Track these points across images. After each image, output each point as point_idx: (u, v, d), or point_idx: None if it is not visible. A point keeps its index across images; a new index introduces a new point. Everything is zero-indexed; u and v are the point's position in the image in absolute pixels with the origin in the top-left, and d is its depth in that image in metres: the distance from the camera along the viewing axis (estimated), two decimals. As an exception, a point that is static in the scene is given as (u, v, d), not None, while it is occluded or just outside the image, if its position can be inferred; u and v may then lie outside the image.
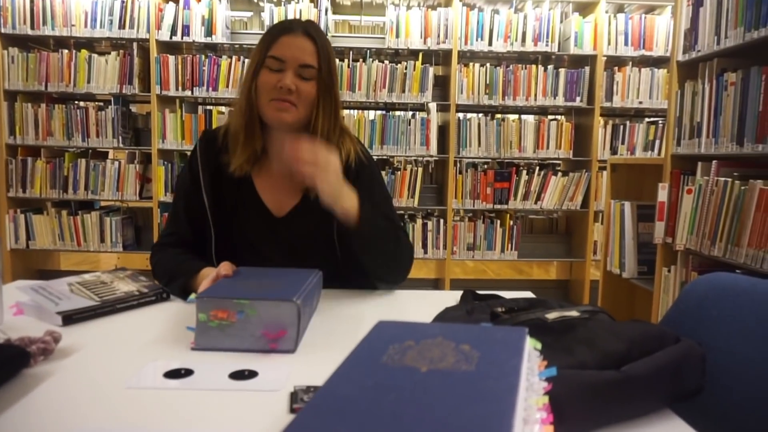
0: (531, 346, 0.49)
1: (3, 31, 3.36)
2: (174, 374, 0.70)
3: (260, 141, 1.15)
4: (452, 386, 0.40)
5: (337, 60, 3.41)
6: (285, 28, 1.11)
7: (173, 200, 1.27)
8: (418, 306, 1.11)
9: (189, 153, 1.23)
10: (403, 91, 3.47)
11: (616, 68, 3.55)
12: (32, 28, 3.37)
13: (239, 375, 0.71)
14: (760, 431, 0.64)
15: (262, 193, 1.19)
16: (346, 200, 1.03)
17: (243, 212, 1.19)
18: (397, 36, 3.46)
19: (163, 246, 1.21)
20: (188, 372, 0.71)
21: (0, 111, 3.40)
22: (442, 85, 3.61)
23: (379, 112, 3.57)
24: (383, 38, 3.52)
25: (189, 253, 1.17)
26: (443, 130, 3.59)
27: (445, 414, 0.36)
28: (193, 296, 0.81)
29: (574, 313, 0.69)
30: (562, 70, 3.50)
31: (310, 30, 1.12)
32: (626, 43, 3.51)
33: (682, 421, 0.61)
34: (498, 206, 3.55)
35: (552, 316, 0.68)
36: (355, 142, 1.23)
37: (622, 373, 0.57)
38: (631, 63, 3.59)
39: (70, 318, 0.90)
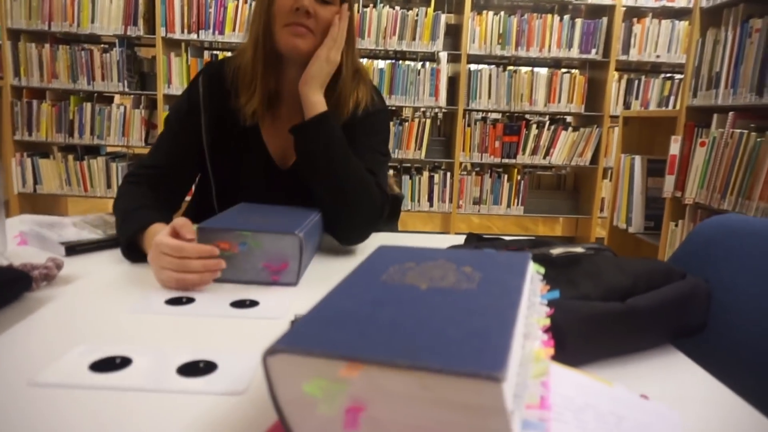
0: (534, 270, 0.48)
1: (4, -33, 3.27)
2: (176, 301, 0.71)
3: (275, 77, 1.05)
4: (453, 302, 0.39)
5: (345, 5, 3.31)
6: None
7: (161, 132, 1.10)
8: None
9: (188, 84, 1.10)
10: (414, 39, 3.38)
11: (635, 19, 3.42)
12: (34, -35, 3.28)
13: (240, 304, 0.71)
14: (761, 367, 0.64)
15: (268, 142, 1.10)
16: (314, 94, 0.99)
17: (247, 162, 1.09)
18: (409, -20, 3.34)
19: (135, 178, 1.04)
20: (189, 300, 0.71)
21: (4, 51, 3.35)
22: (453, 34, 3.51)
23: (388, 62, 3.49)
24: (394, -17, 3.40)
25: (157, 199, 0.99)
26: (453, 81, 3.52)
27: (445, 325, 0.35)
28: (195, 227, 0.80)
29: (579, 249, 0.68)
30: (578, 21, 3.38)
31: None
32: (647, -7, 3.38)
33: (683, 355, 0.61)
34: (506, 160, 3.51)
35: (557, 251, 0.67)
36: (370, 89, 1.13)
37: (627, 305, 0.56)
38: (651, 14, 3.46)
39: (73, 249, 0.90)
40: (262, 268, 0.79)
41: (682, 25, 3.40)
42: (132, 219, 0.89)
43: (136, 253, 0.87)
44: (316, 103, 0.99)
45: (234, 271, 0.78)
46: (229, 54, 3.52)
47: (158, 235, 0.78)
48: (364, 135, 1.08)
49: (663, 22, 3.41)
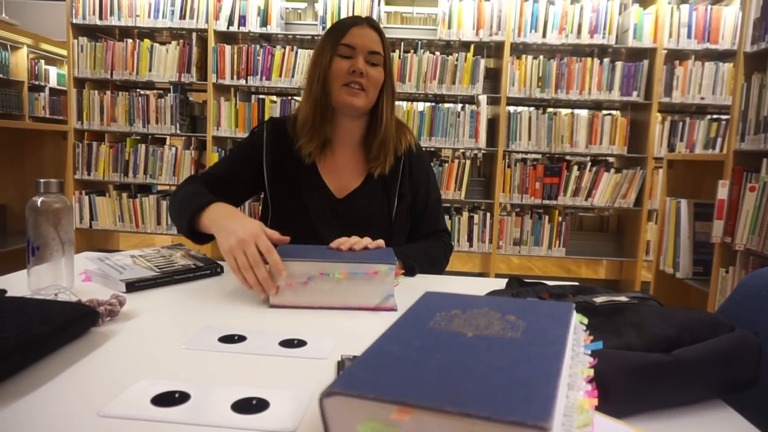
0: (577, 320, 0.49)
1: (74, 21, 3.56)
2: (228, 339, 0.74)
3: (329, 128, 1.24)
4: (498, 350, 0.41)
5: (388, 51, 3.44)
6: (353, 21, 1.21)
7: (223, 156, 1.35)
8: (464, 290, 1.11)
9: (253, 128, 1.32)
10: (453, 83, 3.46)
11: (677, 62, 3.41)
12: (100, 18, 3.55)
13: (289, 343, 0.74)
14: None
15: (325, 176, 1.27)
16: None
17: (306, 194, 1.25)
18: (449, 27, 3.45)
19: (192, 179, 1.23)
20: (241, 338, 0.75)
21: (70, 97, 3.61)
22: (493, 78, 3.57)
23: (428, 104, 3.57)
24: (435, 29, 3.51)
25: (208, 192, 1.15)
26: (493, 123, 3.56)
27: (491, 373, 0.37)
28: (386, 267, 0.90)
29: (623, 298, 0.68)
30: (618, 64, 3.39)
31: (374, 23, 1.23)
32: (689, 36, 3.37)
33: (733, 411, 0.59)
34: (547, 202, 3.49)
35: (600, 299, 0.68)
36: (412, 134, 1.34)
37: (672, 356, 0.56)
38: (693, 57, 3.44)
39: (133, 285, 0.96)
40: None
41: (726, 67, 3.36)
42: (194, 200, 1.06)
43: (197, 236, 1.06)
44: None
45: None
46: (275, 98, 3.69)
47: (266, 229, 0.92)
48: (426, 170, 1.33)
49: (706, 64, 3.38)
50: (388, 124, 1.24)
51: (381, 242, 1.03)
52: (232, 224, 0.93)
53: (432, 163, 3.48)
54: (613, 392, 0.53)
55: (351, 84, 1.17)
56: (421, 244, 1.27)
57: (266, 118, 3.47)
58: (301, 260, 0.90)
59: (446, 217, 3.53)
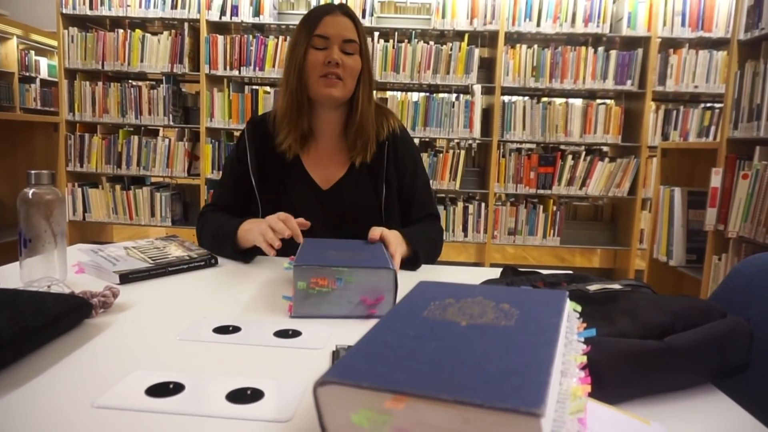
0: (571, 308, 0.49)
1: (64, 11, 3.51)
2: (222, 330, 0.74)
3: (308, 120, 1.23)
4: (491, 338, 0.41)
5: (382, 41, 3.41)
6: (325, 10, 1.20)
7: (220, 178, 1.35)
8: (459, 280, 1.11)
9: (237, 134, 1.34)
10: (448, 73, 3.44)
11: (671, 50, 3.40)
12: (90, 8, 3.51)
13: (284, 334, 0.74)
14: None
15: (309, 169, 1.26)
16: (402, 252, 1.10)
17: (291, 187, 1.25)
18: (443, 17, 3.42)
19: (206, 213, 1.28)
20: (236, 329, 0.75)
21: (61, 89, 3.57)
22: (487, 67, 3.56)
23: (422, 94, 3.55)
24: (429, 19, 3.49)
25: (231, 217, 1.22)
26: (487, 113, 3.55)
27: (485, 361, 0.37)
28: (287, 264, 0.82)
29: (616, 286, 0.69)
30: (612, 53, 3.39)
31: (347, 10, 1.21)
32: (683, 24, 3.36)
33: (725, 396, 0.60)
34: (541, 191, 3.49)
35: (594, 287, 0.68)
36: (395, 118, 1.32)
37: (665, 342, 0.57)
38: (687, 45, 3.44)
39: (127, 277, 0.95)
40: (359, 302, 0.81)
41: (720, 56, 3.36)
42: (225, 228, 1.13)
43: (243, 254, 1.11)
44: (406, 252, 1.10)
45: (333, 306, 0.81)
46: (268, 89, 3.66)
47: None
48: (412, 153, 1.30)
49: (700, 52, 3.38)
50: (365, 112, 1.22)
51: (384, 235, 1.03)
52: (264, 221, 1.06)
53: (426, 154, 3.47)
54: (607, 379, 0.53)
55: (328, 75, 1.16)
56: (424, 229, 1.24)
57: (260, 108, 3.47)
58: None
59: (440, 208, 3.53)
